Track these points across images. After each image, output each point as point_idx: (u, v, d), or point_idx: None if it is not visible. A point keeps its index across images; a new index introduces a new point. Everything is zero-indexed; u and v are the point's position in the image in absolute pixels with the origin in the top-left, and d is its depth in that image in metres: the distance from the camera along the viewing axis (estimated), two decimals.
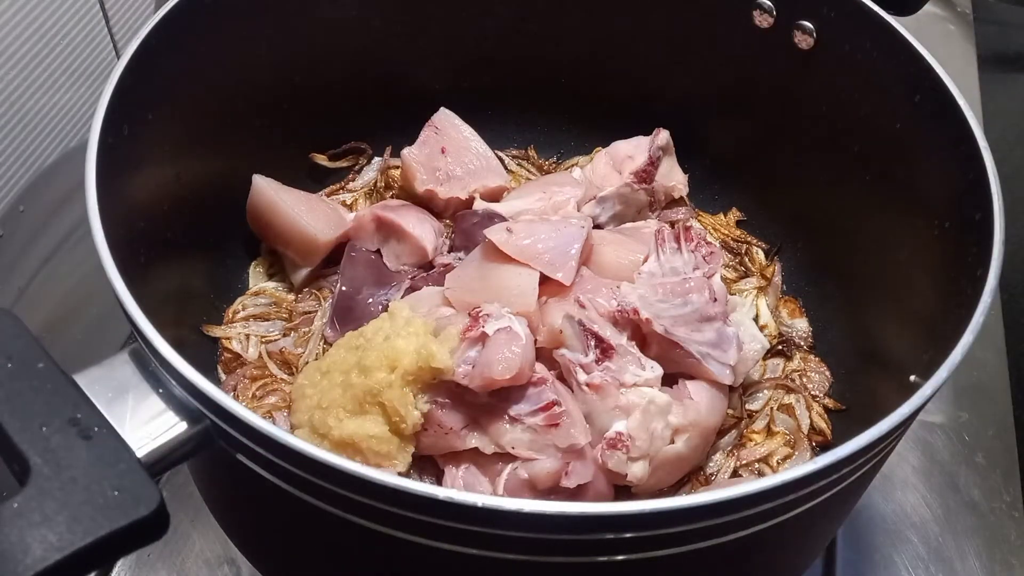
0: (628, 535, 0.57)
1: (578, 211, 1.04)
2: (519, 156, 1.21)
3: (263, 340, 1.00)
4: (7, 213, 1.02)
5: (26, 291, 1.08)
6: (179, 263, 0.93)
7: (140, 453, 0.59)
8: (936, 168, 0.85)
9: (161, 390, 0.63)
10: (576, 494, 0.83)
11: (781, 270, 1.09)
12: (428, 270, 1.02)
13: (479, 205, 1.07)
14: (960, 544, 1.00)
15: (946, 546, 1.00)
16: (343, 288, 0.99)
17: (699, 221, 1.13)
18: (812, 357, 1.02)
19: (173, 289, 0.92)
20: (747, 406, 0.98)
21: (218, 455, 0.63)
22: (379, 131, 1.15)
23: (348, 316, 0.98)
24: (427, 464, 0.87)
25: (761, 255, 1.12)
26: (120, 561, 0.92)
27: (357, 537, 0.64)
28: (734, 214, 1.15)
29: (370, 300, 0.99)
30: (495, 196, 1.11)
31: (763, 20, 1.00)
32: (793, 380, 1.00)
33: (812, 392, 0.99)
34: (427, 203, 1.09)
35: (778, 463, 0.95)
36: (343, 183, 1.15)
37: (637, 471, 0.83)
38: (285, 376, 0.97)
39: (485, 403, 0.83)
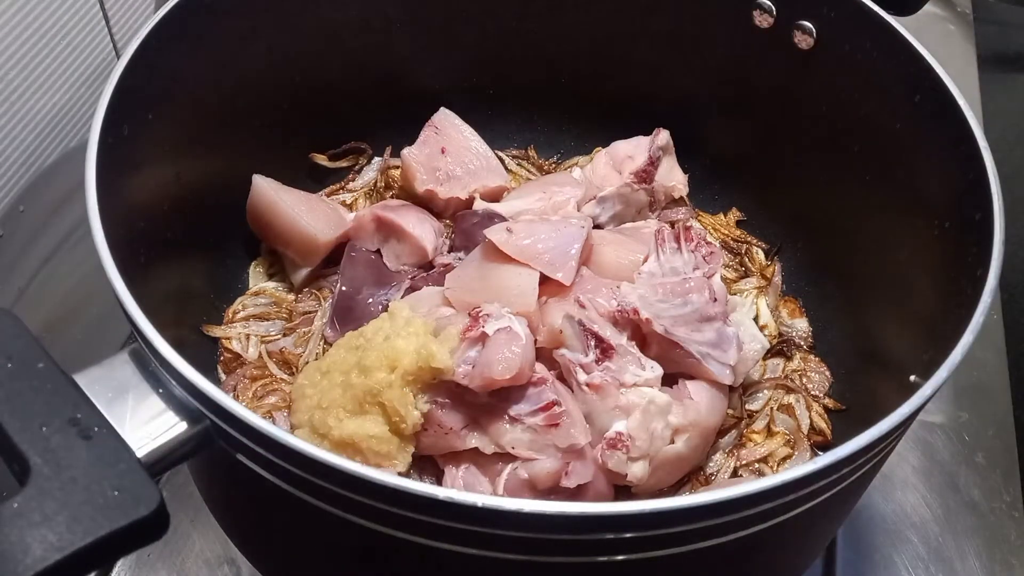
0: (628, 535, 0.57)
1: (578, 211, 1.04)
2: (519, 156, 1.21)
3: (263, 340, 1.00)
4: (7, 213, 1.02)
5: (26, 291, 1.08)
6: (179, 263, 0.93)
7: (140, 453, 0.59)
8: (936, 168, 0.85)
9: (161, 390, 0.63)
10: (576, 494, 0.83)
11: (781, 270, 1.09)
12: (428, 270, 1.02)
13: (479, 205, 1.07)
14: (960, 544, 1.00)
15: (946, 546, 1.00)
16: (343, 288, 0.99)
17: (699, 221, 1.13)
18: (812, 357, 1.02)
19: (173, 289, 0.92)
20: (747, 406, 0.98)
21: (218, 455, 0.63)
22: (379, 131, 1.15)
23: (348, 316, 0.98)
24: (427, 464, 0.87)
25: (761, 255, 1.12)
26: (120, 561, 0.92)
27: (357, 537, 0.64)
28: (734, 214, 1.15)
29: (370, 300, 0.99)
30: (495, 196, 1.11)
31: (763, 20, 1.00)
32: (793, 380, 1.00)
33: (812, 392, 0.99)
34: (427, 203, 1.09)
35: (778, 463, 0.95)
36: (343, 183, 1.15)
37: (637, 471, 0.83)
38: (285, 376, 0.97)
39: (485, 403, 0.83)
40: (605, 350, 0.84)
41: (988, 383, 1.14)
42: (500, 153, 1.17)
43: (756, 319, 1.05)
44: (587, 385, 0.84)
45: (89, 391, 0.60)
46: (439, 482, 0.86)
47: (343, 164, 1.15)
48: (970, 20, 1.66)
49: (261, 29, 0.98)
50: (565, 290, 0.90)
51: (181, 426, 0.62)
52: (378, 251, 1.04)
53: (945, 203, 0.83)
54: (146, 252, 0.82)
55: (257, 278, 1.06)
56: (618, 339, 0.86)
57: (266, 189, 1.02)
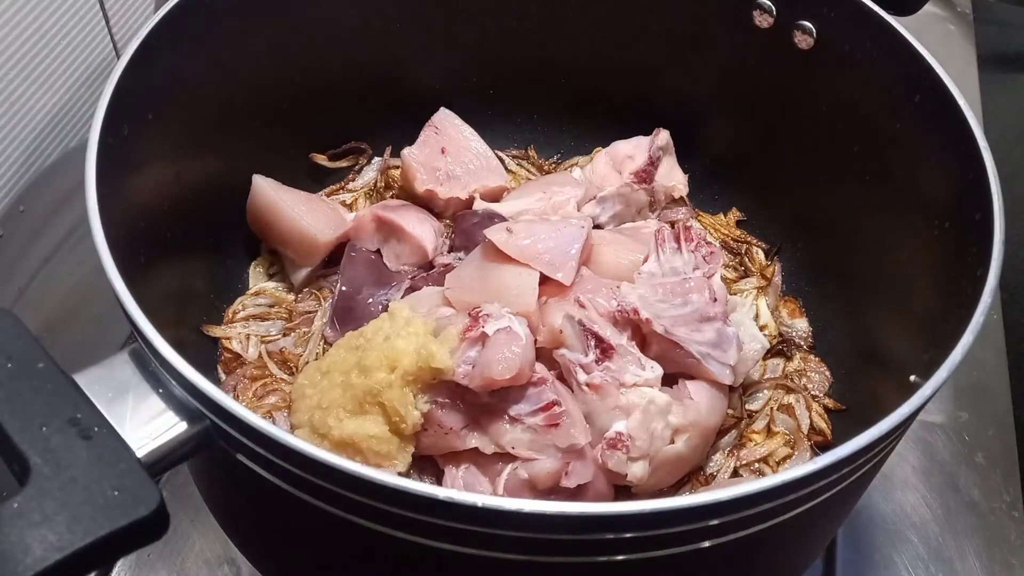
0: (628, 535, 0.57)
1: (578, 211, 1.04)
2: (519, 156, 1.21)
3: (263, 340, 1.00)
4: (7, 213, 1.02)
5: (26, 291, 1.08)
6: (179, 263, 0.93)
7: (140, 453, 0.59)
8: (936, 168, 0.85)
9: (161, 390, 0.63)
10: (576, 494, 0.83)
11: (781, 270, 1.09)
12: (428, 270, 1.02)
13: (479, 205, 1.07)
14: (960, 544, 1.00)
15: (946, 546, 1.00)
16: (343, 288, 0.99)
17: (699, 221, 1.13)
18: (812, 357, 1.02)
19: (173, 289, 0.92)
20: (747, 406, 0.98)
21: (218, 455, 0.63)
22: (379, 131, 1.15)
23: (348, 316, 0.98)
24: (427, 464, 0.87)
25: (761, 255, 1.12)
26: (120, 561, 0.92)
27: (357, 537, 0.64)
28: (734, 214, 1.15)
29: (370, 300, 0.99)
30: (495, 196, 1.11)
31: (763, 20, 1.00)
32: (793, 380, 1.00)
33: (812, 392, 1.00)
34: (427, 203, 1.09)
35: (778, 463, 0.95)
36: (343, 183, 1.15)
37: (637, 471, 0.83)
38: (285, 376, 0.97)
39: (485, 403, 0.83)
40: (605, 350, 0.84)
41: (988, 383, 1.14)
42: (500, 153, 1.17)
43: (756, 319, 1.05)
44: (587, 385, 0.84)
45: (89, 391, 0.60)
46: (439, 482, 0.86)
47: (343, 164, 1.15)
48: (970, 20, 1.66)
49: (261, 29, 0.98)
50: (565, 290, 0.90)
51: (181, 426, 0.62)
52: (378, 251, 1.04)
53: (945, 203, 0.83)
54: (146, 252, 0.82)
55: (257, 278, 1.06)
56: (618, 339, 0.86)
57: (266, 189, 1.02)
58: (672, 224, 1.07)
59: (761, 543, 0.64)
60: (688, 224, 1.00)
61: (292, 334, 1.01)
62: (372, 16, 1.07)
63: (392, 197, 1.12)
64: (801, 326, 1.05)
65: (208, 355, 0.99)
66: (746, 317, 1.00)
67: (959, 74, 1.39)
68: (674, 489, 0.91)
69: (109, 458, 0.56)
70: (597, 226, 1.05)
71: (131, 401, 0.62)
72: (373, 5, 1.06)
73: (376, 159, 1.17)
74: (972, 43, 1.61)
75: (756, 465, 0.95)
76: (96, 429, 0.57)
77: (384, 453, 0.81)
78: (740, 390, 0.98)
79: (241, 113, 0.99)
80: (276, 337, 1.01)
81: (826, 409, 0.98)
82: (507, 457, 0.83)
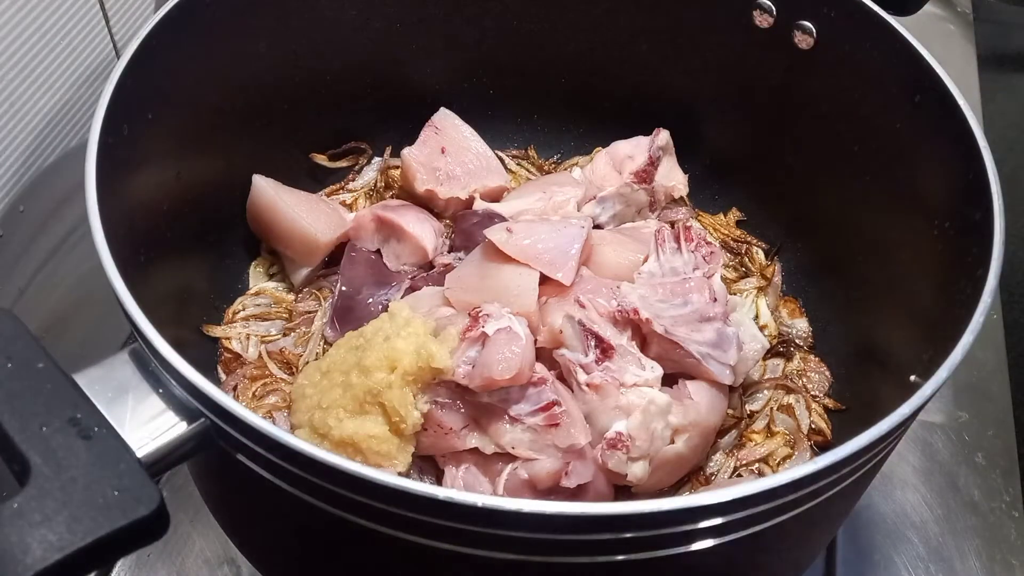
0: (628, 535, 0.57)
1: (578, 211, 1.04)
2: (519, 156, 1.21)
3: (263, 340, 1.00)
4: (7, 213, 1.02)
5: (26, 291, 1.08)
6: (179, 263, 0.93)
7: (140, 453, 0.59)
8: (936, 168, 0.85)
9: (161, 390, 0.63)
10: (576, 494, 0.83)
11: (781, 270, 1.09)
12: (428, 270, 1.02)
13: (479, 205, 1.07)
14: (960, 544, 1.00)
15: (946, 546, 1.00)
16: (343, 288, 0.99)
17: (699, 221, 1.13)
18: (812, 357, 1.03)
19: (173, 289, 0.92)
20: (747, 406, 0.98)
21: (218, 455, 0.63)
22: (379, 131, 1.15)
23: (348, 316, 0.98)
24: (427, 464, 0.87)
25: (761, 255, 1.12)
26: (120, 561, 0.92)
27: (357, 537, 0.64)
28: (734, 214, 1.15)
29: (370, 300, 0.99)
30: (495, 196, 1.11)
31: (763, 20, 1.00)
32: (793, 380, 1.00)
33: (812, 392, 1.00)
34: (427, 203, 1.09)
35: (778, 463, 0.95)
36: (343, 183, 1.15)
37: (637, 471, 0.83)
38: (285, 376, 0.97)
39: (485, 403, 0.83)
40: (605, 350, 0.84)
41: (988, 383, 1.14)
42: (500, 153, 1.17)
43: (756, 319, 1.05)
44: (587, 385, 0.84)
45: (89, 391, 0.60)
46: (439, 482, 0.86)
47: (343, 164, 1.15)
48: (970, 20, 1.66)
49: (261, 29, 0.98)
50: (565, 290, 0.90)
51: (181, 426, 0.62)
52: (378, 251, 1.04)
53: (945, 203, 0.83)
54: (146, 252, 0.82)
55: (257, 278, 1.06)
56: (618, 339, 0.86)
57: (266, 189, 1.02)
58: (672, 224, 1.07)
59: (761, 543, 0.64)
60: (688, 224, 1.00)
61: (292, 334, 1.01)
62: (372, 16, 1.07)
63: (392, 197, 1.12)
64: (801, 326, 1.05)
65: (208, 355, 0.99)
66: (746, 317, 1.00)
67: (959, 74, 1.39)
68: (674, 489, 0.91)
69: (109, 458, 0.56)
70: (597, 226, 1.05)
71: (131, 401, 0.62)
72: (373, 5, 1.06)
73: (376, 159, 1.17)
74: (972, 43, 1.61)
75: (756, 465, 0.95)
76: (96, 429, 0.57)
77: (384, 453, 0.81)
78: (740, 390, 0.98)
79: (241, 113, 0.99)
80: (276, 337, 1.01)
81: (826, 409, 0.98)
82: (507, 457, 0.83)
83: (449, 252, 1.04)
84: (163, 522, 0.55)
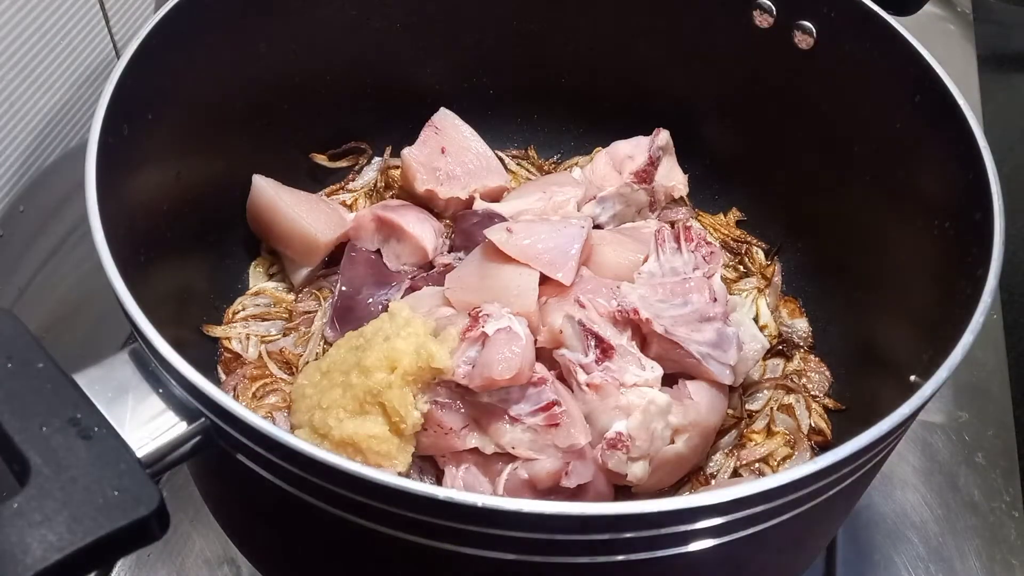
0: (628, 535, 0.57)
1: (578, 211, 1.04)
2: (519, 156, 1.21)
3: (263, 340, 1.00)
4: (7, 213, 1.02)
5: (26, 291, 1.08)
6: (179, 263, 0.93)
7: (140, 453, 0.59)
8: (936, 168, 0.85)
9: (161, 390, 0.63)
10: (576, 494, 0.83)
11: (781, 270, 1.09)
12: (428, 270, 1.02)
13: (479, 205, 1.07)
14: (960, 544, 1.00)
15: (946, 546, 1.00)
16: (343, 288, 0.99)
17: (699, 221, 1.13)
18: (812, 357, 1.03)
19: (173, 289, 0.92)
20: (747, 406, 0.98)
21: (218, 455, 0.63)
22: (379, 131, 1.15)
23: (348, 316, 0.98)
24: (427, 464, 0.87)
25: (761, 255, 1.12)
26: (120, 561, 0.92)
27: (357, 537, 0.64)
28: (734, 214, 1.15)
29: (370, 300, 0.99)
30: (495, 196, 1.11)
31: (763, 20, 1.00)
32: (793, 380, 1.00)
33: (812, 392, 1.00)
34: (427, 203, 1.09)
35: (778, 463, 0.95)
36: (343, 183, 1.15)
37: (637, 471, 0.83)
38: (285, 376, 0.97)
39: (485, 403, 0.83)
40: (605, 350, 0.84)
41: (988, 383, 1.14)
42: (500, 153, 1.17)
43: (756, 319, 1.05)
44: (587, 385, 0.84)
45: (89, 391, 0.60)
46: (439, 482, 0.86)
47: (343, 164, 1.15)
48: (970, 20, 1.66)
49: (261, 29, 0.98)
50: (565, 290, 0.90)
51: (181, 426, 0.62)
52: (378, 251, 1.04)
53: (945, 203, 0.83)
54: (146, 252, 0.82)
55: (257, 278, 1.06)
56: (618, 339, 0.86)
57: (266, 189, 1.02)
58: (672, 224, 1.07)
59: (761, 543, 0.64)
60: (688, 224, 1.00)
61: (292, 334, 1.01)
62: (372, 16, 1.07)
63: (392, 197, 1.12)
64: (801, 326, 1.05)
65: (208, 355, 0.99)
66: (746, 317, 1.00)
67: (959, 74, 1.39)
68: (674, 489, 0.91)
69: (109, 458, 0.56)
70: (597, 226, 1.05)
71: (131, 401, 0.62)
72: (373, 5, 1.06)
73: (376, 159, 1.17)
74: (972, 43, 1.61)
75: (756, 465, 0.95)
76: (96, 429, 0.57)
77: (384, 453, 0.81)
78: (740, 390, 0.98)
79: (241, 113, 0.99)
80: (276, 337, 1.01)
81: (826, 409, 0.98)
82: (507, 457, 0.83)
83: (449, 252, 1.04)
84: (163, 522, 0.55)
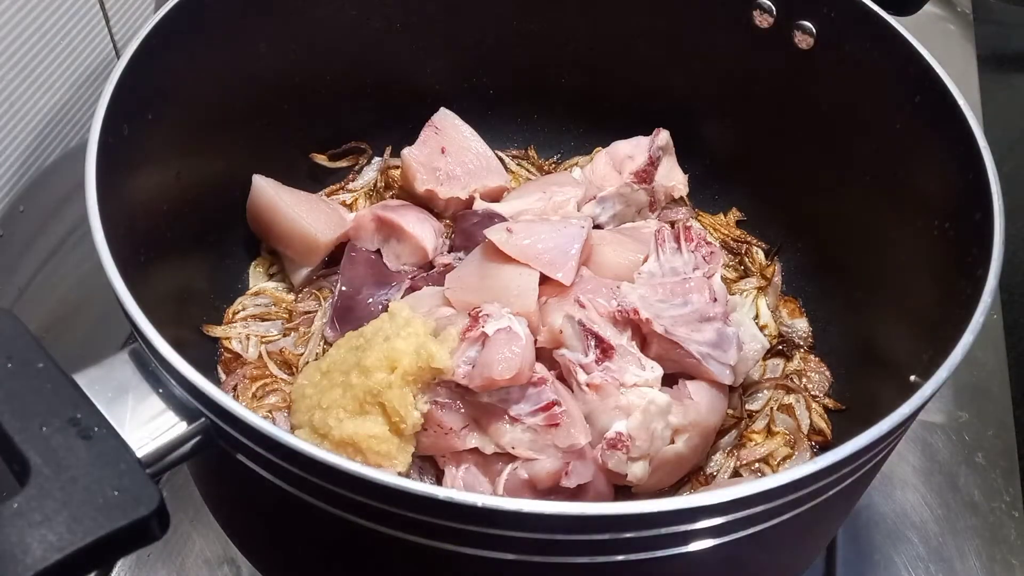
0: (628, 535, 0.57)
1: (578, 211, 1.04)
2: (519, 156, 1.21)
3: (263, 340, 1.00)
4: (7, 213, 1.02)
5: (26, 291, 1.08)
6: (179, 263, 0.93)
7: (140, 453, 0.59)
8: (936, 168, 0.85)
9: (161, 390, 0.63)
10: (576, 494, 0.83)
11: (781, 270, 1.09)
12: (428, 270, 1.02)
13: (479, 205, 1.07)
14: (960, 544, 1.00)
15: (946, 546, 1.00)
16: (343, 288, 0.99)
17: (699, 221, 1.13)
18: (812, 357, 1.03)
19: (173, 289, 0.92)
20: (747, 406, 0.98)
21: (218, 455, 0.63)
22: (379, 131, 1.15)
23: (348, 316, 0.98)
24: (427, 464, 0.87)
25: (761, 255, 1.12)
26: (120, 561, 0.92)
27: (357, 537, 0.64)
28: (734, 214, 1.15)
29: (370, 300, 0.99)
30: (495, 196, 1.11)
31: (763, 20, 1.00)
32: (793, 380, 1.00)
33: (812, 392, 1.00)
34: (427, 203, 1.09)
35: (778, 463, 0.95)
36: (343, 183, 1.15)
37: (637, 471, 0.83)
38: (285, 376, 0.97)
39: (485, 403, 0.83)
40: (605, 350, 0.84)
41: (988, 383, 1.14)
42: (500, 153, 1.17)
43: (756, 319, 1.05)
44: (587, 385, 0.84)
45: (89, 391, 0.60)
46: (439, 482, 0.86)
47: (343, 164, 1.15)
48: (970, 20, 1.66)
49: (261, 29, 0.98)
50: (565, 290, 0.90)
51: (181, 426, 0.62)
52: (378, 251, 1.04)
53: (945, 203, 0.83)
54: (146, 252, 0.82)
55: (257, 278, 1.06)
56: (618, 339, 0.86)
57: (266, 189, 1.02)
58: (672, 224, 1.07)
59: (761, 543, 0.64)
60: (688, 224, 1.00)
61: (292, 334, 1.01)
62: (372, 16, 1.07)
63: (392, 197, 1.12)
64: (801, 326, 1.05)
65: (208, 355, 0.99)
66: (746, 317, 1.00)
67: (959, 74, 1.39)
68: (674, 489, 0.91)
69: (109, 458, 0.56)
70: (597, 226, 1.05)
71: (131, 401, 0.62)
72: (373, 5, 1.06)
73: (376, 159, 1.17)
74: (972, 43, 1.61)
75: (756, 465, 0.95)
76: (96, 429, 0.57)
77: (384, 453, 0.81)
78: (740, 390, 0.98)
79: (241, 113, 0.99)
80: (276, 337, 1.01)
81: (826, 409, 0.98)
82: (507, 457, 0.83)
83: (449, 252, 1.04)
84: (163, 522, 0.55)
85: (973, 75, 1.54)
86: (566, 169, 1.18)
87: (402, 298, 0.96)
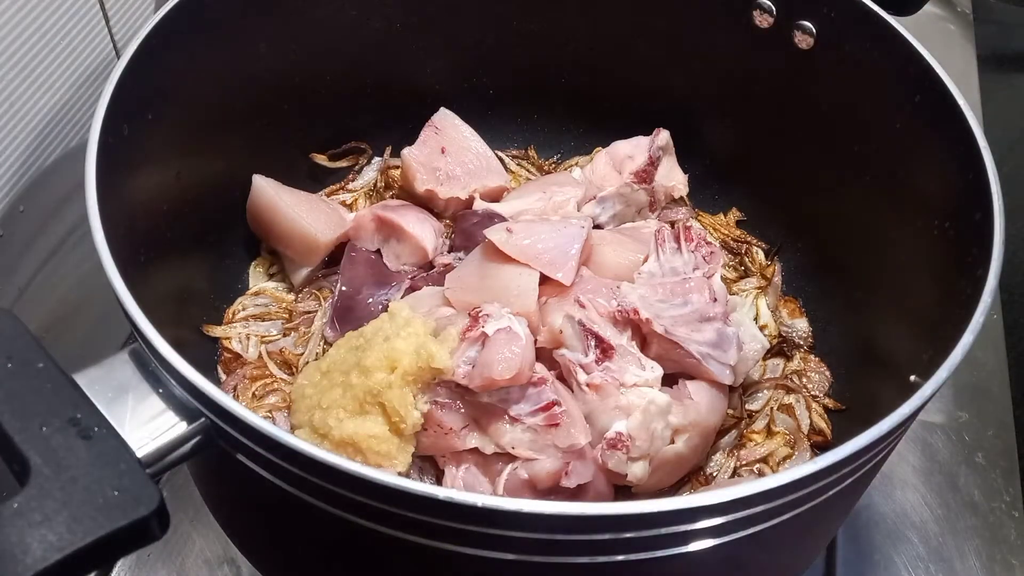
0: (628, 535, 0.57)
1: (578, 211, 1.04)
2: (519, 156, 1.21)
3: (263, 340, 1.00)
4: (7, 213, 1.02)
5: (26, 291, 1.08)
6: (179, 263, 0.93)
7: (140, 453, 0.59)
8: (936, 168, 0.85)
9: (161, 390, 0.63)
10: (576, 494, 0.83)
11: (781, 270, 1.09)
12: (428, 270, 1.02)
13: (479, 205, 1.07)
14: (960, 544, 1.00)
15: (946, 546, 1.00)
16: (343, 288, 0.99)
17: (699, 221, 1.13)
18: (812, 357, 1.03)
19: (173, 289, 0.92)
20: (747, 406, 0.98)
21: (218, 455, 0.63)
22: (379, 131, 1.15)
23: (348, 316, 0.98)
24: (427, 464, 0.87)
25: (761, 255, 1.12)
26: (120, 561, 0.92)
27: (357, 537, 0.64)
28: (734, 214, 1.15)
29: (370, 300, 0.99)
30: (495, 196, 1.11)
31: (763, 20, 1.00)
32: (793, 380, 1.00)
33: (812, 392, 1.00)
34: (427, 203, 1.09)
35: (778, 463, 0.95)
36: (343, 183, 1.15)
37: (637, 471, 0.83)
38: (285, 376, 0.97)
39: (485, 403, 0.83)
40: (605, 350, 0.84)
41: (988, 383, 1.14)
42: (500, 153, 1.17)
43: (756, 319, 1.05)
44: (587, 385, 0.84)
45: (89, 391, 0.60)
46: (439, 482, 0.86)
47: (343, 164, 1.15)
48: (970, 20, 1.66)
49: (261, 29, 0.98)
50: (565, 290, 0.90)
51: (181, 426, 0.62)
52: (378, 251, 1.04)
53: (945, 203, 0.83)
54: (146, 252, 0.82)
55: (257, 278, 1.06)
56: (618, 339, 0.86)
57: (266, 189, 1.02)
58: (672, 224, 1.07)
59: (761, 543, 0.64)
60: (688, 224, 1.00)
61: (292, 334, 1.01)
62: (372, 16, 1.07)
63: (392, 197, 1.12)
64: (801, 326, 1.05)
65: (208, 355, 0.99)
66: (746, 317, 1.00)
67: (959, 74, 1.39)
68: (674, 489, 0.91)
69: (109, 458, 0.56)
70: (597, 226, 1.05)
71: (131, 401, 0.62)
72: (373, 5, 1.06)
73: (376, 159, 1.17)
74: (972, 43, 1.61)
75: (756, 465, 0.95)
76: (96, 429, 0.57)
77: (384, 453, 0.81)
78: (740, 390, 0.98)
79: (241, 113, 0.99)
80: (276, 337, 1.01)
81: (826, 409, 0.98)
82: (507, 457, 0.83)
83: (449, 252, 1.04)
84: (163, 522, 0.55)
85: (973, 75, 1.54)
86: (566, 169, 1.18)
87: (402, 298, 0.96)
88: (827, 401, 0.99)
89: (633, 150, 1.09)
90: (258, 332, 1.01)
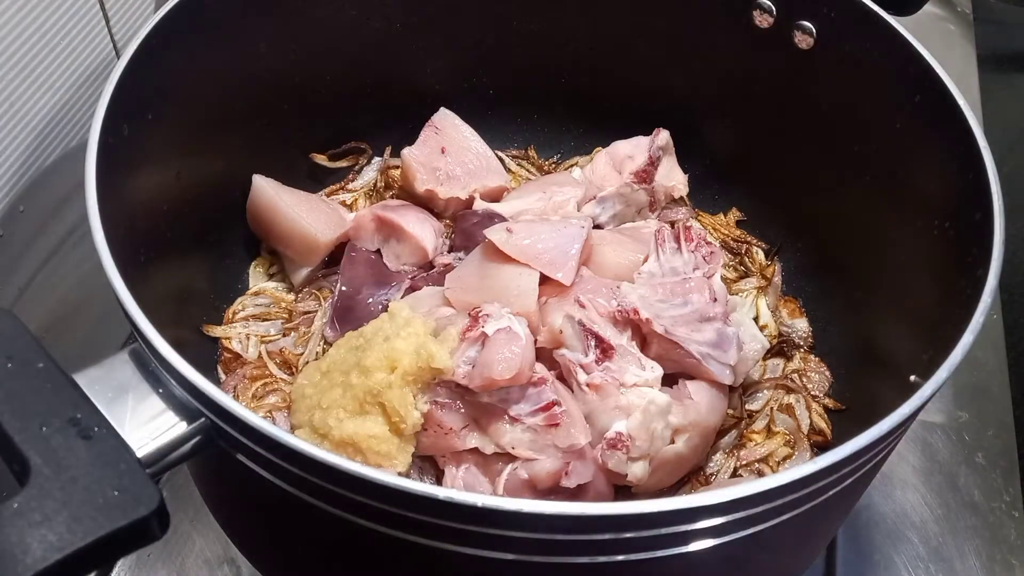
0: (628, 535, 0.57)
1: (578, 211, 1.04)
2: (519, 156, 1.21)
3: (263, 340, 1.00)
4: (7, 213, 1.02)
5: (26, 291, 1.08)
6: (179, 263, 0.93)
7: (140, 453, 0.59)
8: (936, 168, 0.85)
9: (161, 390, 0.63)
10: (576, 494, 0.83)
11: (781, 270, 1.09)
12: (428, 270, 1.02)
13: (479, 205, 1.07)
14: (960, 544, 1.00)
15: (946, 546, 1.00)
16: (343, 288, 0.99)
17: (699, 221, 1.13)
18: (812, 357, 1.03)
19: (173, 289, 0.92)
20: (747, 406, 0.98)
21: (218, 455, 0.63)
22: (379, 131, 1.15)
23: (348, 316, 0.98)
24: (427, 464, 0.87)
25: (761, 255, 1.12)
26: (120, 561, 0.92)
27: (357, 537, 0.64)
28: (734, 214, 1.15)
29: (370, 300, 0.99)
30: (495, 196, 1.11)
31: (763, 20, 1.00)
32: (793, 380, 1.00)
33: (812, 392, 1.00)
34: (427, 203, 1.09)
35: (778, 463, 0.95)
36: (343, 183, 1.15)
37: (637, 471, 0.83)
38: (285, 376, 0.97)
39: (485, 403, 0.83)
40: (605, 350, 0.84)
41: (988, 383, 1.14)
42: (500, 153, 1.17)
43: (756, 319, 1.05)
44: (587, 385, 0.84)
45: (89, 391, 0.60)
46: (439, 482, 0.86)
47: (343, 164, 1.15)
48: (970, 20, 1.66)
49: (261, 29, 0.98)
50: (565, 290, 0.90)
51: (181, 426, 0.62)
52: (378, 251, 1.04)
53: (945, 203, 0.83)
54: (146, 252, 0.82)
55: (257, 278, 1.06)
56: (618, 339, 0.86)
57: (266, 189, 1.02)
58: (672, 224, 1.07)
59: (761, 543, 0.64)
60: (688, 224, 1.00)
61: (292, 334, 1.01)
62: (372, 16, 1.07)
63: (392, 197, 1.12)
64: (801, 326, 1.05)
65: (208, 355, 0.99)
66: (746, 317, 1.00)
67: (959, 74, 1.39)
68: (674, 489, 0.91)
69: (109, 458, 0.56)
70: (597, 226, 1.05)
71: (131, 401, 0.62)
72: (373, 5, 1.06)
73: (376, 159, 1.17)
74: (972, 43, 1.61)
75: (756, 465, 0.95)
76: (96, 429, 0.57)
77: (384, 453, 0.81)
78: (740, 390, 0.98)
79: (241, 113, 0.99)
80: (276, 337, 1.01)
81: (826, 409, 0.98)
82: (507, 457, 0.83)
83: (449, 252, 1.04)
84: (163, 522, 0.55)
85: (973, 75, 1.54)
86: (566, 169, 1.18)
87: (402, 298, 0.96)
88: (827, 401, 0.99)
89: (633, 150, 1.09)
90: (258, 332, 1.01)
